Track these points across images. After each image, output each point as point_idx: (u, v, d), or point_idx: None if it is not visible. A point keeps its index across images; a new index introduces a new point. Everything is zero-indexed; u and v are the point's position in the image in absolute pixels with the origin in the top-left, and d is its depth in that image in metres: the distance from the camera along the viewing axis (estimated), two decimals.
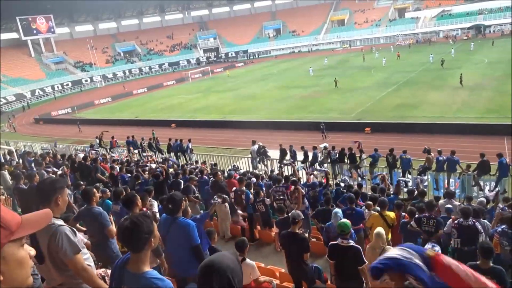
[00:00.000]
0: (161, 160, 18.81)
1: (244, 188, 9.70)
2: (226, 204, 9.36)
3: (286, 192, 9.71)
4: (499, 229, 6.66)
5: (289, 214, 7.24)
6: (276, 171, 16.66)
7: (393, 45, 71.14)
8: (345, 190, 10.41)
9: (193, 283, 4.53)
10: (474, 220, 6.93)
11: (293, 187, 9.60)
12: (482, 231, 6.85)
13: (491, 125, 22.05)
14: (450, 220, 7.44)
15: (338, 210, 7.03)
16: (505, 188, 13.13)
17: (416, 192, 10.07)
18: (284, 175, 12.94)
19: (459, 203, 9.76)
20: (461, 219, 6.97)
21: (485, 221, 7.42)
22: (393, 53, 58.82)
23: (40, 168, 11.29)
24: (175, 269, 4.91)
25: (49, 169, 10.94)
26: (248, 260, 5.56)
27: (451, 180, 14.52)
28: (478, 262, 5.07)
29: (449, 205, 8.59)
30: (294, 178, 10.50)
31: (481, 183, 14.00)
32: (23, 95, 68.32)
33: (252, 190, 9.95)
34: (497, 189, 13.10)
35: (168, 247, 4.90)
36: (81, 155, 16.95)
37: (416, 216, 7.60)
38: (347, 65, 57.21)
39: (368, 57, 60.17)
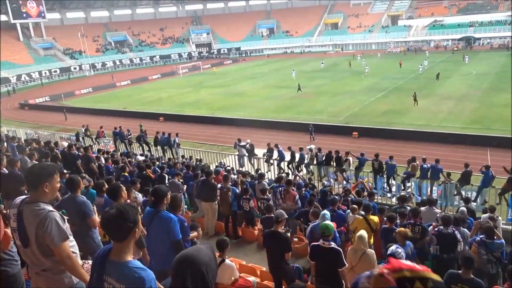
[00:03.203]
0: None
1: (229, 185, 9.70)
2: (216, 202, 9.37)
3: (280, 191, 9.68)
4: (478, 238, 6.78)
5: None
6: (262, 169, 16.66)
7: (382, 52, 71.74)
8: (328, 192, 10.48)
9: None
10: (454, 228, 7.04)
11: (282, 188, 9.58)
12: (461, 239, 6.97)
13: (475, 136, 22.44)
14: (431, 227, 7.55)
15: (326, 212, 7.08)
16: (485, 199, 13.38)
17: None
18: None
19: (440, 211, 9.91)
20: (441, 227, 7.07)
21: (465, 229, 7.55)
22: (374, 60, 59.17)
23: (23, 154, 11.09)
24: (155, 261, 4.90)
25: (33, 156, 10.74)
26: (227, 261, 5.57)
27: (433, 188, 14.73)
28: (460, 272, 5.18)
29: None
30: (290, 178, 10.52)
31: (463, 192, 14.22)
32: (8, 79, 66.98)
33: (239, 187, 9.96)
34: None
35: (149, 240, 4.89)
36: (65, 144, 16.73)
37: (399, 222, 7.69)
38: (338, 68, 57.55)
39: (354, 63, 59.83)
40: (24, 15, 79.06)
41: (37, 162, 9.44)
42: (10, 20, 77.52)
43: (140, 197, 7.35)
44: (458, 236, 6.95)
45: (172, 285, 2.18)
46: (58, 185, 3.40)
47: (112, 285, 2.47)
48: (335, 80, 47.73)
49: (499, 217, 9.75)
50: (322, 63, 61.44)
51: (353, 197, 10.74)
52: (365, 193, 10.89)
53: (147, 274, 2.41)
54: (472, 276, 5.12)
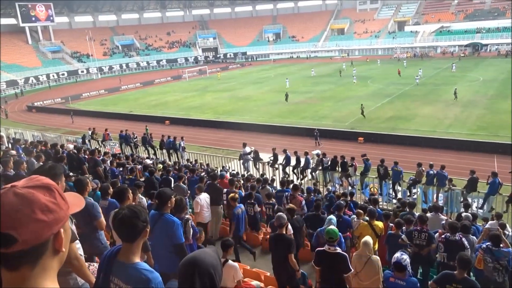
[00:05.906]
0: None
1: (235, 189, 9.70)
2: (221, 206, 9.37)
3: (286, 196, 9.67)
4: (484, 245, 6.70)
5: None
6: (267, 174, 16.66)
7: (388, 58, 71.65)
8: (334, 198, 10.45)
9: (173, 280, 4.52)
10: (461, 236, 6.96)
11: (287, 193, 9.58)
12: (469, 247, 6.88)
13: (481, 143, 22.28)
14: (437, 234, 7.47)
15: (332, 217, 7.06)
16: (492, 206, 13.28)
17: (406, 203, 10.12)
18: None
19: (445, 218, 9.84)
20: (448, 234, 6.98)
21: (474, 237, 7.46)
22: (376, 66, 58.73)
23: (30, 156, 11.14)
24: (157, 264, 4.91)
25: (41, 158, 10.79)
26: (230, 262, 5.56)
27: (440, 194, 14.63)
28: (455, 272, 5.14)
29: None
30: (296, 183, 10.51)
31: (469, 199, 14.11)
32: (16, 81, 67.60)
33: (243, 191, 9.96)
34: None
35: (152, 242, 4.91)
36: (71, 146, 16.80)
37: (405, 228, 7.63)
38: (344, 73, 57.41)
39: (347, 72, 58.38)
40: (33, 18, 79.94)
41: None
42: (19, 23, 78.36)
43: (144, 201, 7.37)
44: (466, 243, 6.87)
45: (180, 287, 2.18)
46: (64, 184, 3.48)
47: (118, 286, 2.46)
48: (339, 85, 47.65)
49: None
50: (313, 71, 59.45)
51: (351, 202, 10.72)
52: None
53: (154, 277, 2.40)
54: (465, 275, 5.09)
